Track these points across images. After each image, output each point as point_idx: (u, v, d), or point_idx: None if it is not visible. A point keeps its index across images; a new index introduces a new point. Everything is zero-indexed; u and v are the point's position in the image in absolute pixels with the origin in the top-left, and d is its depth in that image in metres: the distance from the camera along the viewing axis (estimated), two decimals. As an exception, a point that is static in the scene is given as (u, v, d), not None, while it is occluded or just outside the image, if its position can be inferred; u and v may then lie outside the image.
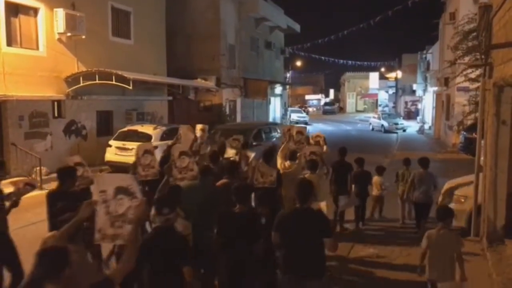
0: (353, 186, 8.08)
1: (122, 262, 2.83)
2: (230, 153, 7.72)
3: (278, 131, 12.08)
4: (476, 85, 13.54)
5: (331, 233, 4.07)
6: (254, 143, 12.19)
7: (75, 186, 4.92)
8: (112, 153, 13.15)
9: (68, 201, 4.32)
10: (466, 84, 15.26)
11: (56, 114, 13.80)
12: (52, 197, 4.65)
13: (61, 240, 2.91)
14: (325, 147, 8.33)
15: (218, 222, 4.28)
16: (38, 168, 11.87)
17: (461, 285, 4.63)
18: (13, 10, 12.42)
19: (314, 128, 29.71)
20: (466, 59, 13.14)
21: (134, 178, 3.50)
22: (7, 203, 4.67)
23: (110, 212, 3.19)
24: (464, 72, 13.48)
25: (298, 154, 7.14)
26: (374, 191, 8.73)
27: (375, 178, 8.75)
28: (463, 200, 7.91)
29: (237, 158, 7.38)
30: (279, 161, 7.04)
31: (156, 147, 9.18)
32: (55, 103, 13.76)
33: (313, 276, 3.94)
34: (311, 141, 8.47)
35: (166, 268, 3.40)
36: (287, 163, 6.86)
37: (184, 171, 5.06)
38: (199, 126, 8.26)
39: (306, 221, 3.94)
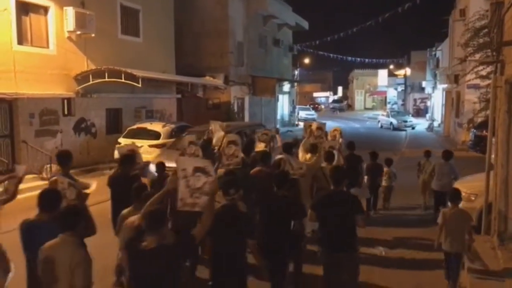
0: (365, 177, 8.60)
1: (201, 224, 3.52)
2: (260, 146, 8.25)
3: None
4: (487, 82, 13.41)
5: (362, 211, 4.72)
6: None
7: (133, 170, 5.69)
8: (121, 151, 13.25)
9: (127, 183, 4.87)
10: (477, 81, 15.13)
11: (66, 112, 13.91)
12: (113, 180, 5.51)
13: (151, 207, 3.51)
14: (340, 140, 8.96)
15: (262, 204, 4.81)
16: (48, 165, 11.98)
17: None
18: (23, 9, 12.53)
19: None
20: (477, 56, 13.02)
21: (210, 161, 4.18)
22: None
23: (189, 185, 3.87)
24: (475, 69, 13.37)
25: (318, 147, 7.69)
26: (383, 182, 9.30)
27: (385, 170, 9.35)
28: (473, 198, 7.86)
29: (267, 150, 7.88)
30: (300, 154, 7.57)
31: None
32: (65, 101, 13.87)
33: (348, 249, 4.49)
34: (329, 135, 9.17)
35: (228, 241, 3.95)
36: (308, 155, 7.41)
37: (231, 158, 5.77)
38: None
39: (341, 201, 4.53)
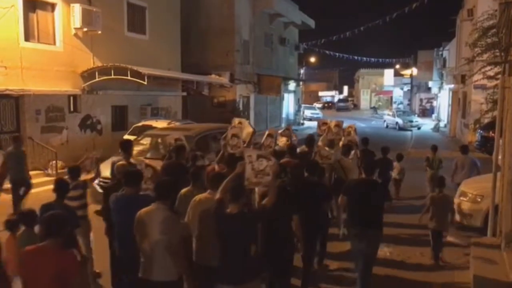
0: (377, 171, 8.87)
1: (269, 197, 4.37)
2: (282, 140, 8.80)
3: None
4: (494, 82, 13.30)
5: (390, 198, 5.94)
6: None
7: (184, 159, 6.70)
8: (126, 148, 13.28)
9: (179, 171, 5.77)
10: (484, 81, 15.02)
11: (72, 109, 13.97)
12: (167, 168, 6.24)
13: (223, 193, 4.22)
14: (355, 136, 9.74)
15: (297, 190, 5.34)
16: (54, 161, 12.03)
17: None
18: (30, 6, 12.58)
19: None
20: (485, 56, 12.89)
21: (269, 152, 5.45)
22: None
23: (254, 168, 4.91)
24: (482, 70, 13.26)
25: (335, 143, 8.70)
26: (394, 175, 9.80)
27: (395, 164, 9.99)
28: (479, 200, 7.83)
29: (288, 144, 8.43)
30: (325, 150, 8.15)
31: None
32: (71, 98, 13.93)
33: (374, 228, 5.30)
34: (345, 131, 9.95)
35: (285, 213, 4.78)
36: (327, 149, 7.97)
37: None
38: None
39: (372, 188, 5.38)
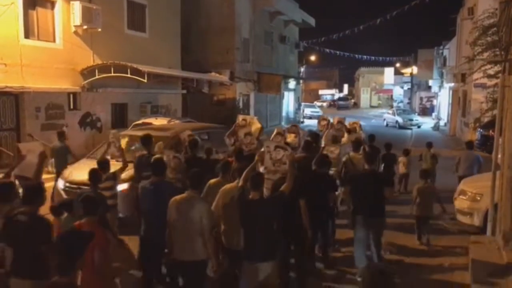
0: (381, 166, 9.28)
1: (287, 184, 4.68)
2: (290, 136, 9.00)
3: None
4: (494, 81, 13.29)
5: (392, 183, 6.48)
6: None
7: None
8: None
9: (199, 163, 6.19)
10: (484, 80, 15.00)
11: (71, 106, 13.96)
12: (188, 162, 6.62)
13: (244, 181, 4.70)
14: (361, 132, 10.21)
15: (307, 182, 5.55)
16: (53, 158, 12.01)
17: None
18: (30, 3, 12.56)
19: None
20: (485, 55, 12.88)
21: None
22: None
23: (272, 158, 5.49)
24: (483, 68, 13.25)
25: (338, 138, 9.10)
26: (401, 169, 10.03)
27: (401, 159, 10.36)
28: (479, 198, 7.83)
29: (296, 140, 8.81)
30: (323, 144, 8.50)
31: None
32: (71, 95, 13.92)
33: (378, 215, 5.83)
34: (349, 127, 10.31)
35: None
36: (332, 145, 8.45)
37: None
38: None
39: (375, 179, 5.96)
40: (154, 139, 7.38)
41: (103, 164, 6.18)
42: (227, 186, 5.09)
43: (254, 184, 4.47)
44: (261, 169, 5.45)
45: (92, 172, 5.59)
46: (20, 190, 4.71)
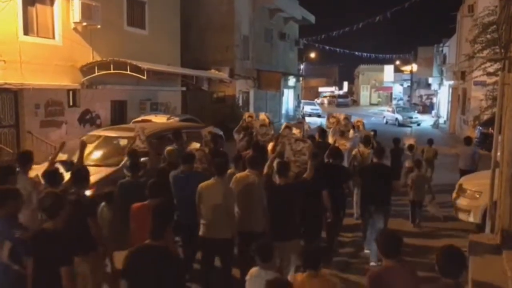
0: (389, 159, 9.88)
1: (307, 173, 5.39)
2: (296, 131, 9.32)
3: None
4: (494, 79, 13.30)
5: (398, 177, 7.43)
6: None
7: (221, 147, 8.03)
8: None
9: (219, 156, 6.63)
10: (484, 78, 15.01)
11: (71, 103, 13.95)
12: (212, 154, 7.11)
13: (269, 168, 5.41)
14: (364, 130, 11.01)
15: (324, 172, 6.08)
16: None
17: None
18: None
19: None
20: (485, 52, 12.89)
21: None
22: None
23: (293, 149, 6.27)
24: (482, 66, 13.25)
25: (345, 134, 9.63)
26: (408, 164, 10.23)
27: (407, 154, 10.67)
28: (478, 196, 7.83)
29: (300, 135, 9.24)
30: (331, 139, 9.01)
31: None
32: (70, 92, 13.91)
33: (385, 204, 6.48)
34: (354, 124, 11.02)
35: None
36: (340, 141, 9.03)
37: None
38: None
39: (382, 170, 6.59)
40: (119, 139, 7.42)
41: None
42: (240, 174, 5.50)
43: (280, 171, 5.14)
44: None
45: (130, 165, 5.98)
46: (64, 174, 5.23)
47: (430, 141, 11.87)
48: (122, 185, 5.57)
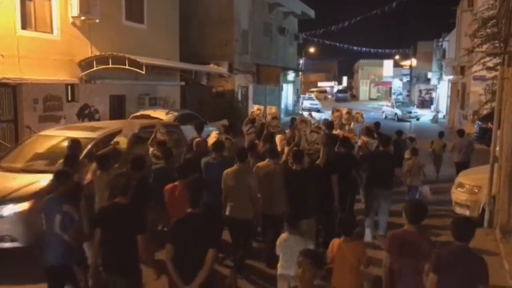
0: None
1: (320, 160, 6.40)
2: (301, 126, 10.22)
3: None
4: (493, 74, 13.29)
5: (400, 164, 8.15)
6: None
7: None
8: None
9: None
10: (483, 72, 14.99)
11: (69, 98, 13.90)
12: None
13: (287, 156, 6.60)
14: (363, 120, 12.28)
15: (335, 160, 6.75)
16: (52, 151, 12.00)
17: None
18: (27, -7, 12.45)
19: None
20: (484, 47, 12.86)
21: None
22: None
23: (307, 140, 7.17)
24: (482, 61, 13.22)
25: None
26: (407, 155, 10.72)
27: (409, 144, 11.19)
28: (476, 191, 7.85)
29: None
30: (335, 132, 9.68)
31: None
32: (69, 87, 13.85)
33: (388, 188, 7.11)
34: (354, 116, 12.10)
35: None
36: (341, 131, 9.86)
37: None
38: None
39: (387, 158, 7.26)
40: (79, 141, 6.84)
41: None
42: (262, 163, 6.16)
43: (297, 158, 5.92)
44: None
45: (163, 151, 6.79)
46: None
47: (441, 134, 12.47)
48: (156, 170, 6.37)
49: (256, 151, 7.31)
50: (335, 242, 4.26)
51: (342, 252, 4.14)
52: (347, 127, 10.94)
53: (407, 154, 10.64)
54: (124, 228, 3.96)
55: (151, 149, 7.55)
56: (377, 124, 11.35)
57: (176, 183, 5.39)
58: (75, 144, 6.45)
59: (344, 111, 12.05)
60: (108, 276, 4.09)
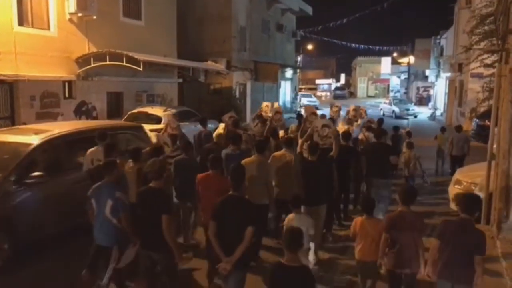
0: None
1: (333, 152, 7.19)
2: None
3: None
4: (491, 71, 13.29)
5: (395, 153, 8.31)
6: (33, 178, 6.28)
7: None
8: (122, 135, 13.18)
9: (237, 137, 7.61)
10: (480, 70, 15.00)
11: (67, 95, 13.85)
12: (227, 136, 8.37)
13: (301, 148, 7.41)
14: (366, 116, 13.22)
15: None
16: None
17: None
18: (24, -10, 12.38)
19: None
20: (482, 44, 12.86)
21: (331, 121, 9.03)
22: None
23: (320, 134, 7.77)
24: (479, 58, 13.23)
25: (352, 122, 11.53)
26: (404, 149, 11.00)
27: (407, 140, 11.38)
28: (473, 188, 7.86)
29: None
30: (340, 126, 10.55)
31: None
32: (66, 84, 13.80)
33: (385, 177, 7.62)
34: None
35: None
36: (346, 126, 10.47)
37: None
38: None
39: (383, 149, 7.92)
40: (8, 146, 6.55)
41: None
42: (278, 153, 6.78)
43: (312, 150, 6.47)
44: None
45: (232, 138, 7.43)
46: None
47: (443, 129, 13.13)
48: (179, 161, 6.77)
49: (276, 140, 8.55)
50: (358, 219, 4.87)
51: (365, 228, 4.75)
52: (355, 123, 11.67)
53: (404, 148, 11.07)
54: (157, 210, 4.48)
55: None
56: (380, 121, 11.91)
57: (209, 172, 5.70)
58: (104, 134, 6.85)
59: (352, 107, 13.03)
60: (145, 252, 4.66)
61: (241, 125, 10.93)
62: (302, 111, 13.69)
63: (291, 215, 5.38)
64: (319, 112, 12.50)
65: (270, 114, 11.86)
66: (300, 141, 7.70)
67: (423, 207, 8.65)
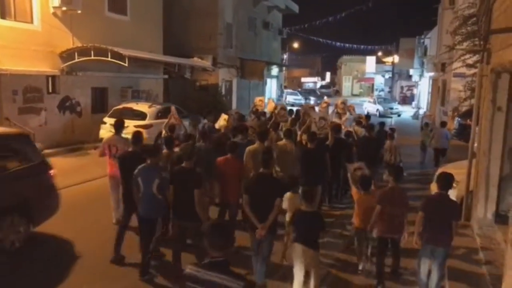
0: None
1: (329, 141, 8.47)
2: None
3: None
4: (473, 71, 13.53)
5: (382, 146, 9.99)
6: None
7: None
8: (106, 130, 13.02)
9: (243, 129, 8.68)
10: (463, 70, 15.25)
11: (50, 90, 13.67)
12: (232, 131, 9.38)
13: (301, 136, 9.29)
14: (354, 112, 14.02)
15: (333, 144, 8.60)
16: (32, 143, 11.78)
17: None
18: (7, -18, 12.16)
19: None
20: (465, 44, 13.08)
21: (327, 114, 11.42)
22: None
23: (317, 126, 9.42)
24: (462, 58, 13.45)
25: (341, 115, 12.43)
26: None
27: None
28: (455, 185, 7.99)
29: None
30: (335, 120, 11.52)
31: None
32: (50, 79, 13.62)
33: (373, 164, 8.53)
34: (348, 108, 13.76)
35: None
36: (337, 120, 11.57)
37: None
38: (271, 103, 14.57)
39: (373, 142, 9.45)
40: None
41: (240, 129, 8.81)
42: (280, 143, 7.99)
43: (311, 138, 7.64)
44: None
45: (239, 129, 8.65)
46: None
47: (426, 125, 14.85)
48: (199, 148, 7.36)
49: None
50: (358, 195, 5.95)
51: (363, 201, 5.79)
52: (343, 117, 12.48)
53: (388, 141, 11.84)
54: (189, 185, 5.17)
55: (163, 132, 9.02)
56: (368, 116, 13.24)
57: (228, 155, 6.41)
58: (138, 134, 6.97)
59: (339, 101, 13.72)
60: (179, 222, 5.40)
61: (246, 119, 12.05)
62: (294, 109, 14.45)
63: (288, 194, 5.81)
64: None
65: (266, 110, 13.07)
66: (299, 132, 9.01)
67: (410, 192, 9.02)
